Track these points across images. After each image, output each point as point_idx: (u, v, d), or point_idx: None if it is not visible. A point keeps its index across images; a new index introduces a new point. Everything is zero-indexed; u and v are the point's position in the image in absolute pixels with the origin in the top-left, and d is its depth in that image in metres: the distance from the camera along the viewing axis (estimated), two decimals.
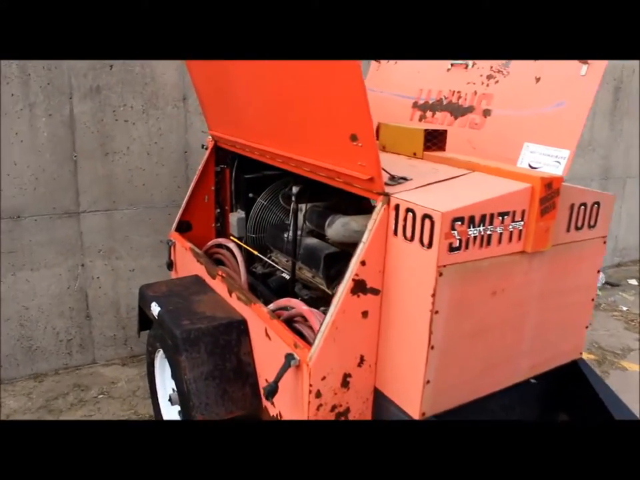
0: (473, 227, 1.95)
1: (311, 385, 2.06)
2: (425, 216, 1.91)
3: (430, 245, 1.90)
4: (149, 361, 3.03)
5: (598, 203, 2.33)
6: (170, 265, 3.36)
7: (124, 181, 3.83)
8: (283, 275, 3.15)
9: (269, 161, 2.80)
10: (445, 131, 2.61)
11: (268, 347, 2.36)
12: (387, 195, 2.06)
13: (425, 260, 1.93)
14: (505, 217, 2.03)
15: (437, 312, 1.94)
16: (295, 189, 2.64)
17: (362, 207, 2.99)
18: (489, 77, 3.00)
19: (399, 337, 2.09)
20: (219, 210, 3.52)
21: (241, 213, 3.43)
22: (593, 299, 2.53)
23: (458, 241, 1.92)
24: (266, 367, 2.44)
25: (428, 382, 2.01)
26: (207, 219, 3.50)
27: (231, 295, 2.68)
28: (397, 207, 2.03)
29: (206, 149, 3.42)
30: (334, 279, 2.74)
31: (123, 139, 3.75)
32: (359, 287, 2.07)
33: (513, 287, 2.17)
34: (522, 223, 2.08)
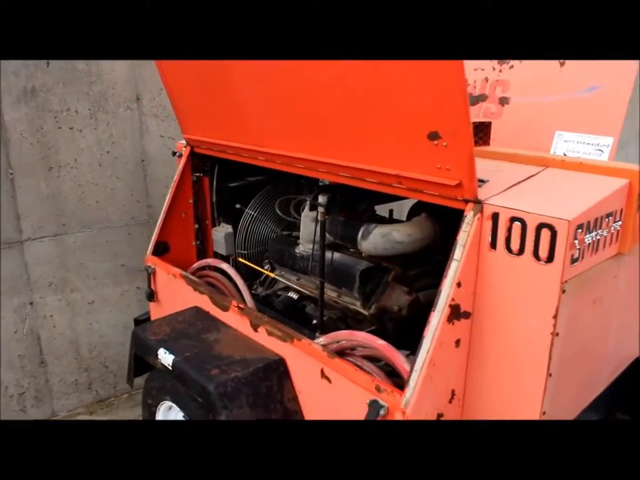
0: (589, 234, 1.67)
1: None
2: (542, 225, 1.59)
3: (550, 259, 1.59)
4: (148, 415, 2.49)
5: None
6: (150, 296, 2.81)
7: (73, 199, 3.18)
8: (290, 294, 2.72)
9: (281, 167, 2.35)
10: (490, 123, 2.30)
11: (325, 390, 1.95)
12: (479, 203, 1.72)
13: (542, 276, 1.61)
14: (610, 218, 1.77)
15: (557, 334, 1.64)
16: (322, 198, 2.22)
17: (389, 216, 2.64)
18: (501, 63, 2.75)
19: (499, 365, 1.77)
20: (197, 226, 3.00)
21: (226, 228, 2.94)
22: None
23: (578, 251, 1.62)
24: (322, 413, 2.02)
25: (544, 413, 1.72)
26: (186, 238, 2.97)
27: (256, 330, 2.22)
28: (494, 216, 1.69)
29: (179, 156, 2.88)
30: (369, 296, 2.36)
31: (69, 149, 3.10)
32: (455, 312, 1.72)
33: (607, 293, 1.92)
34: (620, 222, 1.83)
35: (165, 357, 2.16)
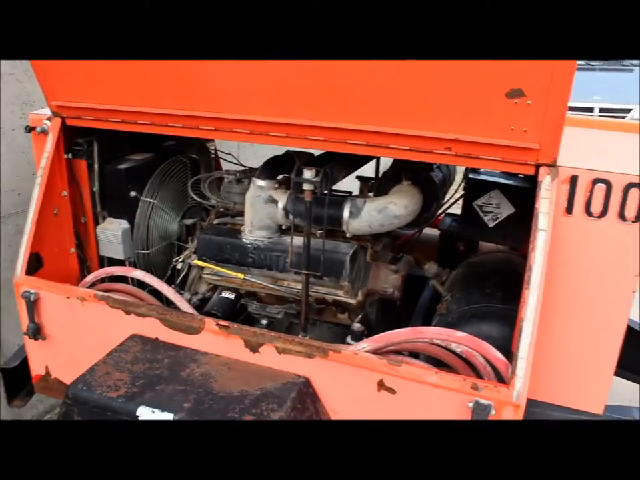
0: None
1: None
2: (631, 185, 1.46)
3: (638, 217, 1.48)
4: None
5: None
6: (36, 332, 1.89)
7: None
8: (224, 295, 2.14)
9: (247, 137, 1.77)
10: None
11: (386, 403, 1.56)
12: (554, 166, 1.51)
13: (627, 236, 1.51)
14: None
15: (633, 292, 1.56)
16: (308, 173, 1.73)
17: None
18: None
19: (567, 334, 1.64)
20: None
21: (119, 223, 2.14)
22: None
23: None
24: None
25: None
26: (62, 244, 2.08)
27: (256, 351, 1.66)
28: (572, 180, 1.51)
29: (42, 132, 1.96)
30: (354, 282, 1.97)
31: None
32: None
33: None
34: None
35: (156, 418, 1.46)
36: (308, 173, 1.74)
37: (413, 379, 1.51)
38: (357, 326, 1.88)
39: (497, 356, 1.50)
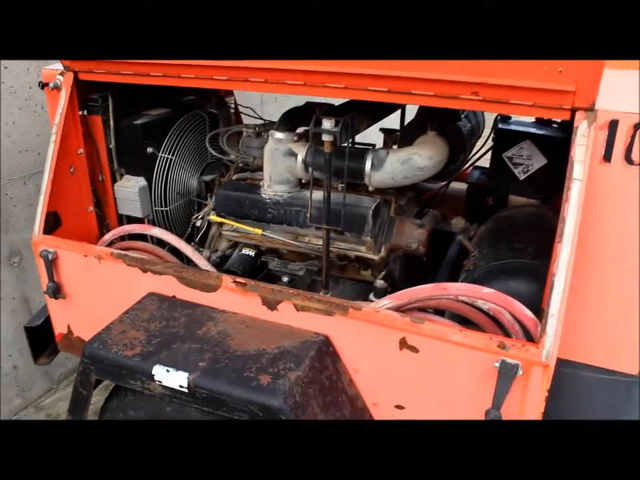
0: None
1: (548, 391, 1.38)
2: None
3: None
4: None
5: None
6: (55, 291, 1.88)
7: None
8: (244, 252, 2.08)
9: (264, 87, 1.67)
10: None
11: (410, 362, 1.49)
12: (593, 110, 1.37)
13: None
14: None
15: None
16: (328, 123, 1.62)
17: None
18: None
19: (604, 289, 1.53)
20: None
21: (137, 180, 2.09)
22: None
23: None
24: (405, 392, 1.56)
25: None
26: (80, 202, 2.04)
27: (274, 308, 1.60)
28: (612, 125, 1.37)
29: (54, 87, 1.90)
30: (377, 237, 1.89)
31: None
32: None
33: None
34: None
35: (171, 377, 1.43)
36: (327, 123, 1.64)
37: (437, 337, 1.43)
38: (379, 282, 1.81)
39: (526, 313, 1.40)
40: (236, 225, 2.00)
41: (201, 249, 2.11)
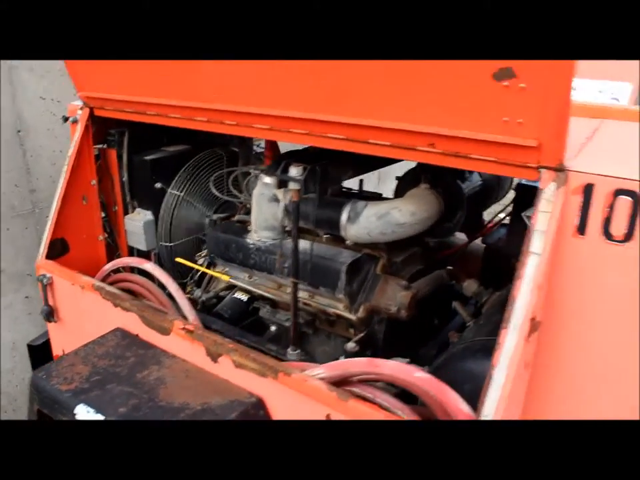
0: None
1: None
2: None
3: None
4: None
5: None
6: (49, 315, 1.94)
7: None
8: (237, 296, 2.00)
9: (233, 129, 1.60)
10: None
11: None
12: (563, 170, 1.12)
13: None
14: None
15: None
16: (295, 171, 1.51)
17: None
18: None
19: (576, 392, 1.22)
20: (104, 214, 2.15)
21: (144, 214, 2.12)
22: None
23: None
24: None
25: None
26: (90, 231, 2.11)
27: (216, 361, 1.49)
28: (587, 189, 1.10)
29: (73, 121, 2.00)
30: (356, 295, 1.71)
31: None
32: (533, 327, 1.14)
33: None
34: None
35: (89, 418, 1.37)
36: (294, 170, 1.52)
37: (359, 417, 1.23)
38: (350, 346, 1.63)
39: (460, 407, 1.15)
40: (214, 273, 1.94)
41: (195, 289, 2.07)
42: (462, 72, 1.14)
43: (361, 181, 1.99)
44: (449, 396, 1.16)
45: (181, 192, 2.11)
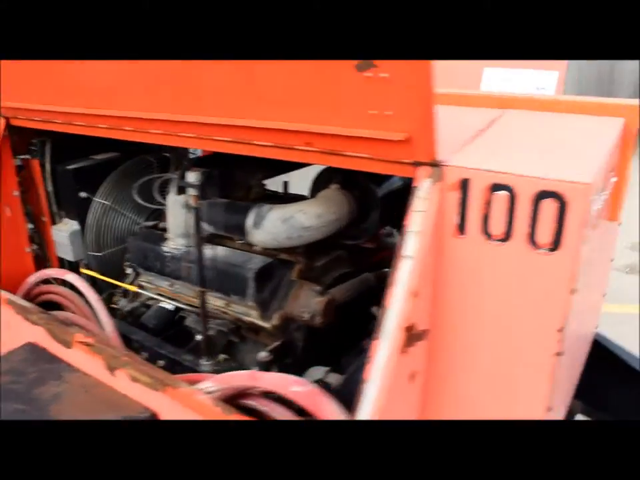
0: (598, 200, 1.06)
1: None
2: (544, 195, 0.94)
3: (556, 245, 0.96)
4: None
5: None
6: None
7: None
8: (163, 305, 1.92)
9: (131, 136, 1.54)
10: None
11: None
12: (438, 165, 1.04)
13: (543, 272, 0.98)
14: (610, 174, 1.17)
15: (560, 354, 1.03)
16: (192, 176, 1.44)
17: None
18: None
19: (474, 399, 1.14)
20: (32, 225, 2.08)
21: (71, 224, 2.05)
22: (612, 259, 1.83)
23: (590, 227, 1.01)
24: None
25: None
26: (16, 243, 2.05)
27: (113, 374, 1.42)
28: (464, 185, 1.03)
29: None
30: (269, 303, 1.64)
31: None
32: (410, 336, 1.05)
33: (590, 272, 1.34)
34: (614, 179, 1.24)
35: None
36: (191, 176, 1.45)
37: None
38: (262, 355, 1.55)
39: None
40: (119, 283, 1.88)
41: (122, 299, 2.00)
42: (328, 68, 1.07)
43: (285, 182, 1.91)
44: (324, 410, 1.09)
45: (107, 200, 2.04)
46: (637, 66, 7.43)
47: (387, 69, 0.99)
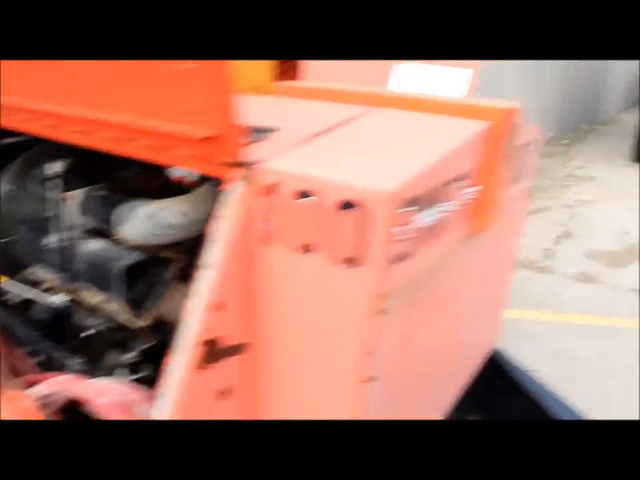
0: (426, 211, 0.95)
1: None
2: (347, 204, 0.85)
3: (358, 261, 0.86)
4: None
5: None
6: None
7: None
8: (53, 299, 1.84)
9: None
10: None
11: None
12: (247, 167, 0.94)
13: (345, 289, 0.89)
14: (460, 182, 1.06)
15: (371, 379, 0.93)
16: (56, 167, 1.35)
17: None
18: None
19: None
20: None
21: None
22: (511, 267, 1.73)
23: (407, 241, 0.91)
24: None
25: None
26: None
27: None
28: (273, 189, 0.93)
29: None
30: (141, 302, 1.55)
31: None
32: (213, 352, 0.96)
33: (452, 287, 1.24)
34: (477, 188, 1.14)
35: None
36: (54, 167, 1.36)
37: None
38: (126, 357, 1.47)
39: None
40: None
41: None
42: (145, 65, 0.97)
43: None
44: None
45: (11, 186, 1.95)
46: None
47: (191, 67, 0.89)
